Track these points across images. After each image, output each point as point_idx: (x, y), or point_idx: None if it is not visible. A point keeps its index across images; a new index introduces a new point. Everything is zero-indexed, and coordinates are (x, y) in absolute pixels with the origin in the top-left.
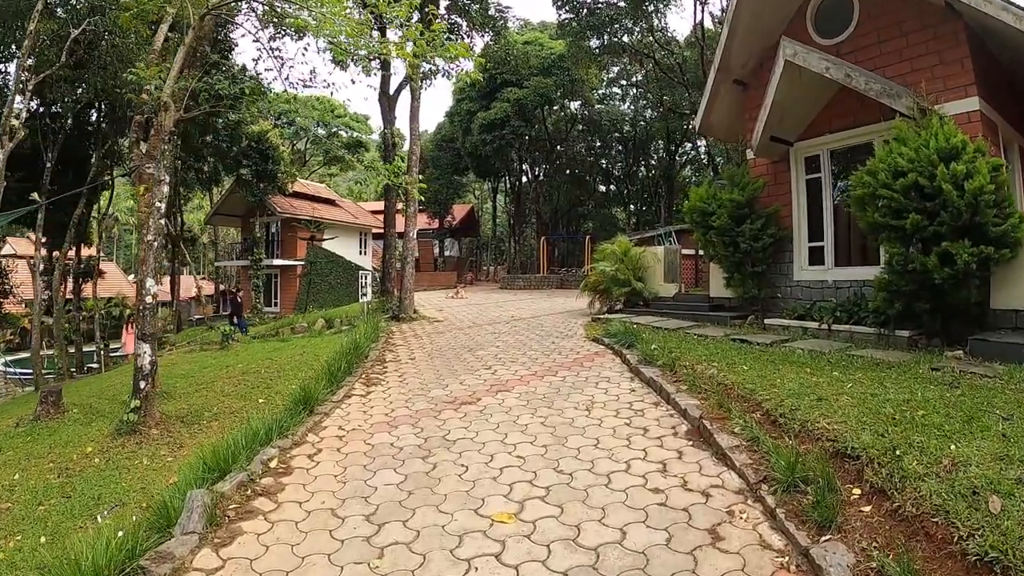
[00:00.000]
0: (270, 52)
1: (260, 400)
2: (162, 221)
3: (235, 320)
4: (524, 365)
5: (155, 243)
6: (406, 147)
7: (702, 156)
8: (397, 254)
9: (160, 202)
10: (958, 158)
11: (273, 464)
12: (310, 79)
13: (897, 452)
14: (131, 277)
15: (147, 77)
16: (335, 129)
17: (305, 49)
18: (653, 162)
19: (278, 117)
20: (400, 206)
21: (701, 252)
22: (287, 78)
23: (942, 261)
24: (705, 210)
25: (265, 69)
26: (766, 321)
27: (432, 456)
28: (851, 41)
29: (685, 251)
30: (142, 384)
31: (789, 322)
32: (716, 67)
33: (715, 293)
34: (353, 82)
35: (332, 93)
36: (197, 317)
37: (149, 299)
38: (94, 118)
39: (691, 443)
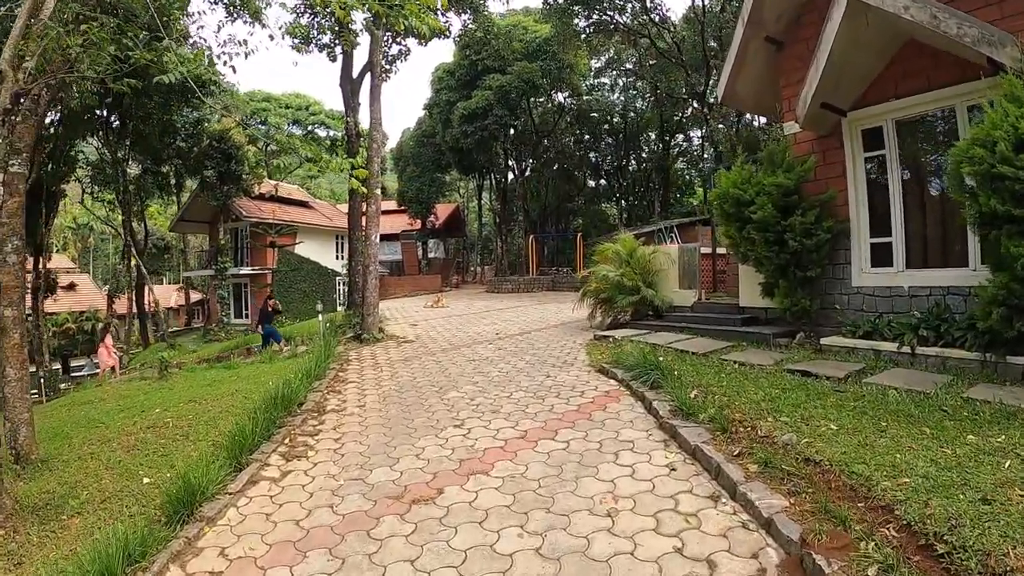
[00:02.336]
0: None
1: (146, 480)
2: None
3: (261, 329)
4: (509, 418)
5: None
6: (390, 144)
7: (695, 148)
8: (363, 261)
9: None
10: None
11: None
12: (224, 42)
13: None
14: (105, 288)
15: None
16: (311, 127)
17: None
18: (645, 154)
19: (249, 117)
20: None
21: (721, 251)
22: (193, 42)
23: None
24: (740, 198)
25: (178, 37)
26: (821, 341)
27: None
28: None
29: (703, 250)
30: None
31: (854, 342)
32: (745, 20)
33: (747, 302)
34: (271, 38)
35: (247, 55)
36: (159, 334)
37: None
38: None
39: None
